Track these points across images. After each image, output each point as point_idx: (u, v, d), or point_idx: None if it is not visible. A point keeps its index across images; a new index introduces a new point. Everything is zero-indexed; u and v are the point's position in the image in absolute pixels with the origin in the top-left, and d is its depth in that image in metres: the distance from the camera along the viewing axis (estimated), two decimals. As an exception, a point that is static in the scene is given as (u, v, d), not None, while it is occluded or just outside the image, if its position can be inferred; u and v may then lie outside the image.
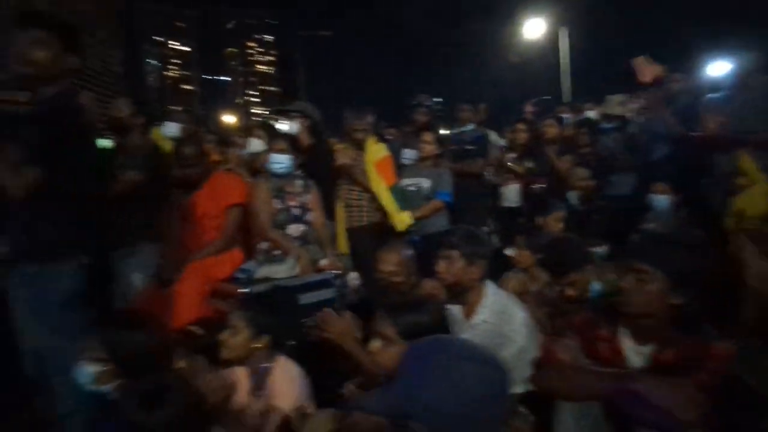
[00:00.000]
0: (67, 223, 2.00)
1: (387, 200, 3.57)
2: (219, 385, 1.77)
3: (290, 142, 3.10)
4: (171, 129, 3.73)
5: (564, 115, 5.53)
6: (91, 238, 2.10)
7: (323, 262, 2.98)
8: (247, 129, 4.38)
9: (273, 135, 3.44)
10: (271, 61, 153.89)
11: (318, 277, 2.77)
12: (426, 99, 4.63)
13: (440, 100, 5.03)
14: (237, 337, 1.86)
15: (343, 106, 3.84)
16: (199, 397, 1.52)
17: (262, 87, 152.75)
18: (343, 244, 3.58)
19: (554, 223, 3.37)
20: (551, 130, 4.59)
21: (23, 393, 2.30)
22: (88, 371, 1.63)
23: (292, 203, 3.05)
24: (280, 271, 2.87)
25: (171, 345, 1.83)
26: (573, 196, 4.25)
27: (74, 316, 1.98)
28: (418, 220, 3.69)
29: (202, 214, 3.00)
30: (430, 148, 3.87)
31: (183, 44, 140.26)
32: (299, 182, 3.13)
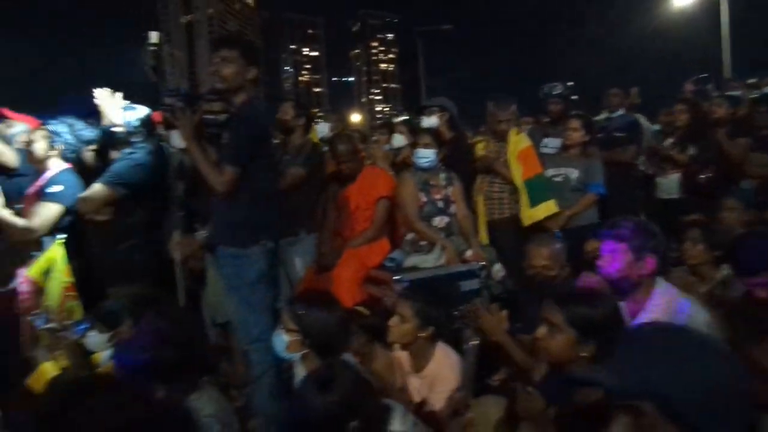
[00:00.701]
0: (256, 213, 2.32)
1: (522, 193, 3.50)
2: (387, 365, 1.92)
3: (433, 136, 3.19)
4: (323, 129, 4.08)
5: (735, 93, 4.83)
6: (274, 226, 2.41)
7: (468, 254, 3.03)
8: (388, 125, 4.59)
9: (416, 131, 3.56)
10: (392, 58, 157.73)
11: (464, 267, 2.83)
12: (557, 87, 4.35)
13: (571, 84, 4.66)
14: (405, 325, 1.99)
15: (465, 100, 3.82)
16: (368, 377, 1.67)
17: (385, 85, 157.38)
18: (484, 236, 3.58)
19: (730, 214, 2.99)
20: (720, 109, 4.05)
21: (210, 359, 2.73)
22: (282, 340, 1.89)
23: (437, 196, 3.14)
24: (428, 261, 2.98)
25: (350, 324, 2.02)
26: (748, 185, 3.73)
27: (264, 292, 2.30)
28: (571, 217, 3.52)
29: (355, 206, 3.24)
30: (576, 136, 3.66)
31: (313, 50, 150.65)
32: (443, 175, 3.21)
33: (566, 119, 3.91)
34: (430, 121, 3.53)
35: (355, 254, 3.09)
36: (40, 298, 2.60)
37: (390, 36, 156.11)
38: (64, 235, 2.70)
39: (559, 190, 3.57)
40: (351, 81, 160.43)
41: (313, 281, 3.18)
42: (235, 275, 2.30)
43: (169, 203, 2.83)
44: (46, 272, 2.62)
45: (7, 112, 3.37)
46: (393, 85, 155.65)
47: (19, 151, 3.21)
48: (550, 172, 3.68)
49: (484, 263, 2.93)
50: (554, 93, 4.29)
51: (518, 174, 3.54)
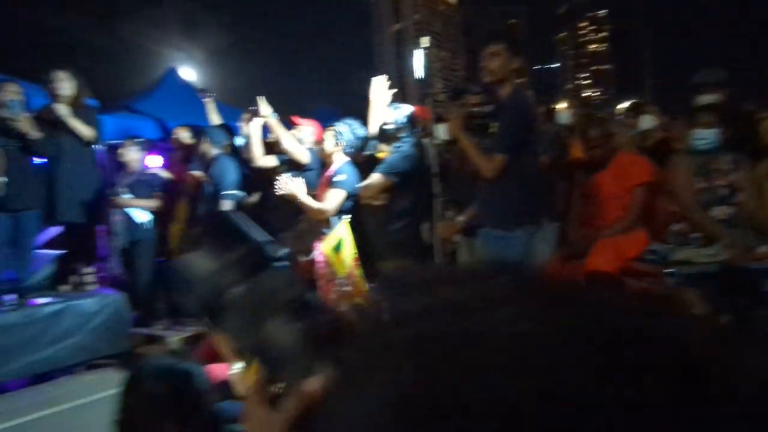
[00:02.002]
0: (522, 197, 2.41)
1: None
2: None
3: (717, 114, 2.80)
4: (563, 117, 3.97)
5: None
6: (538, 210, 2.47)
7: (764, 249, 2.58)
8: (635, 107, 4.21)
9: (695, 109, 3.18)
10: (605, 37, 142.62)
11: (759, 266, 2.43)
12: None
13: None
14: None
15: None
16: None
17: (594, 67, 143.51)
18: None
19: None
20: None
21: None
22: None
23: (720, 182, 2.75)
24: (703, 256, 2.65)
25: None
26: None
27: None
28: None
29: (608, 193, 3.08)
30: None
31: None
32: (727, 159, 2.79)
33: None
34: (708, 98, 3.11)
35: (611, 244, 2.94)
36: (332, 267, 3.21)
37: (601, 13, 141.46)
38: (348, 216, 3.26)
39: None
40: (556, 67, 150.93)
41: (559, 269, 3.14)
42: (498, 256, 2.44)
43: (426, 190, 3.16)
44: (336, 247, 3.21)
45: (295, 118, 4.20)
46: (604, 67, 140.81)
47: (309, 149, 3.99)
48: None
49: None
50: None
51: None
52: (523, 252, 2.40)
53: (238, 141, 4.82)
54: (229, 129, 4.70)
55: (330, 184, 3.36)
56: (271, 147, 4.22)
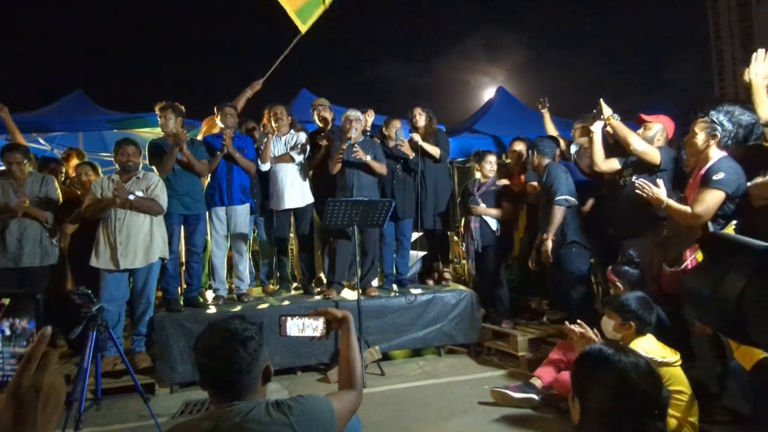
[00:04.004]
0: None
1: None
2: None
3: None
4: None
5: None
6: None
7: None
8: None
9: None
10: None
11: None
12: None
13: None
14: None
15: None
16: None
17: None
18: None
19: None
20: None
21: None
22: None
23: None
24: None
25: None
26: None
27: None
28: None
29: None
30: None
31: None
32: None
33: None
34: None
35: None
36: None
37: None
38: (734, 222, 2.75)
39: None
40: None
41: None
42: None
43: None
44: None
45: (643, 116, 3.84)
46: None
47: (661, 149, 3.59)
48: None
49: None
50: None
51: None
52: None
53: (572, 148, 4.79)
54: (557, 138, 4.72)
55: (704, 183, 2.92)
56: (612, 150, 4.00)
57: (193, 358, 4.33)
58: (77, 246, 4.16)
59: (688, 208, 2.93)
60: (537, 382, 3.26)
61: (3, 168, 4.10)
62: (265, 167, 4.63)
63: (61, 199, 4.09)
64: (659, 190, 3.03)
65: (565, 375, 3.06)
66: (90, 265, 3.81)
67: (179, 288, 4.43)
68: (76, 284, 4.08)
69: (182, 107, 4.34)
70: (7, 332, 0.84)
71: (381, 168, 4.47)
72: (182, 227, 4.33)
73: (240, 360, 1.25)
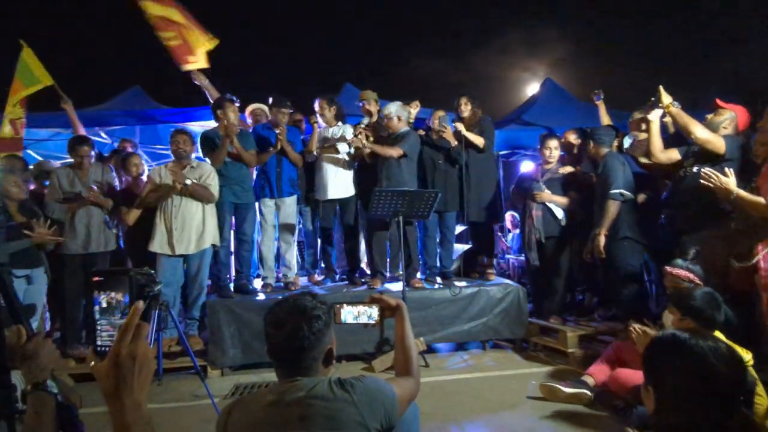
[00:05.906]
0: None
1: None
2: None
3: None
4: None
5: None
6: None
7: None
8: None
9: None
10: None
11: None
12: None
13: None
14: None
15: None
16: None
17: None
18: None
19: None
20: None
21: None
22: None
23: None
24: None
25: None
26: None
27: None
28: None
29: None
30: None
31: None
32: None
33: None
34: None
35: None
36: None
37: None
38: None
39: None
40: None
41: None
42: None
43: None
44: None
45: (719, 101, 3.61)
46: None
47: (726, 137, 3.38)
48: None
49: None
50: None
51: None
52: None
53: (626, 141, 4.58)
54: (615, 127, 4.52)
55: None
56: (668, 141, 3.80)
57: (244, 342, 4.36)
58: (135, 234, 4.37)
59: (761, 199, 2.75)
60: (589, 380, 3.15)
61: (68, 160, 4.35)
62: (311, 158, 4.71)
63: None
64: (728, 180, 2.85)
65: (623, 372, 2.95)
66: (148, 250, 4.00)
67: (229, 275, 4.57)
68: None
69: (237, 101, 4.54)
70: (104, 305, 0.90)
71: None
72: (233, 217, 4.47)
73: (303, 336, 1.27)
